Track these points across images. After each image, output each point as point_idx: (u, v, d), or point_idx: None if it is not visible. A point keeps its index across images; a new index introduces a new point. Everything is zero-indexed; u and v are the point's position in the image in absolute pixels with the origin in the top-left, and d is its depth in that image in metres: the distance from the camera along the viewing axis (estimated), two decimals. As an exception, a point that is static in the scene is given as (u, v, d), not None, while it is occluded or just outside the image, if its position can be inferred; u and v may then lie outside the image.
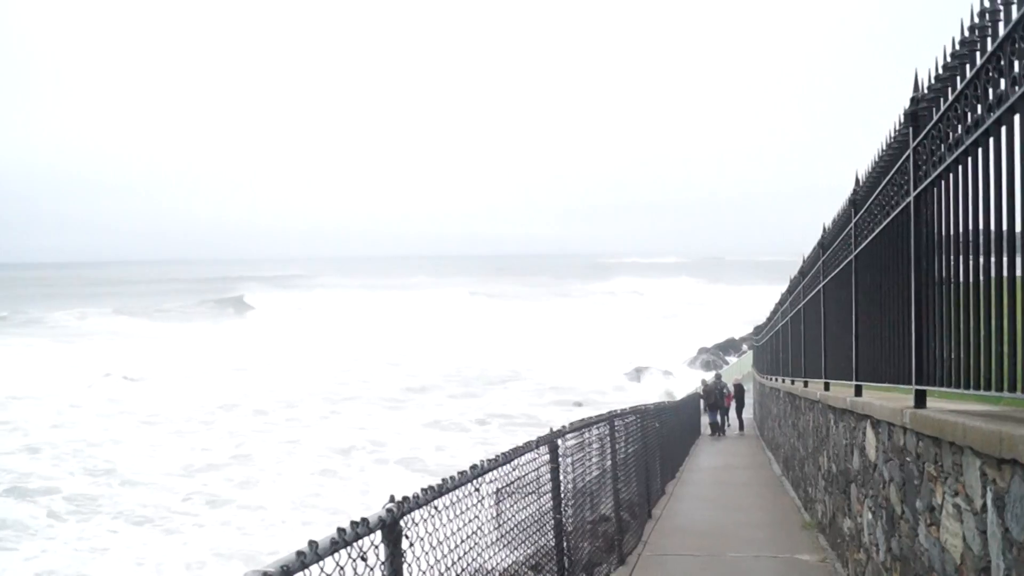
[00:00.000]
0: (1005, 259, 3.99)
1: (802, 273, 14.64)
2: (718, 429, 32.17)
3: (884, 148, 6.74)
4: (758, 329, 34.31)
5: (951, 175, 4.83)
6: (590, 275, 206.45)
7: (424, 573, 4.13)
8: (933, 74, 5.11)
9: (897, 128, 6.14)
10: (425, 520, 4.09)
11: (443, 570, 4.43)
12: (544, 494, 7.57)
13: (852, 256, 8.46)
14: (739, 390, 34.41)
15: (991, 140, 4.13)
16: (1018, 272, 3.95)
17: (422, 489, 4.10)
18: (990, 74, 4.11)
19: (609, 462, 11.09)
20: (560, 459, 7.77)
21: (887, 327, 6.67)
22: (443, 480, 4.40)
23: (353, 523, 3.39)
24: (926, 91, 5.32)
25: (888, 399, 7.24)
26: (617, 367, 57.34)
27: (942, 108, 4.95)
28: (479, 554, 5.22)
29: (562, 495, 7.78)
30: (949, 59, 4.76)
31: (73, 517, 23.96)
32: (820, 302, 11.73)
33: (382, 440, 34.33)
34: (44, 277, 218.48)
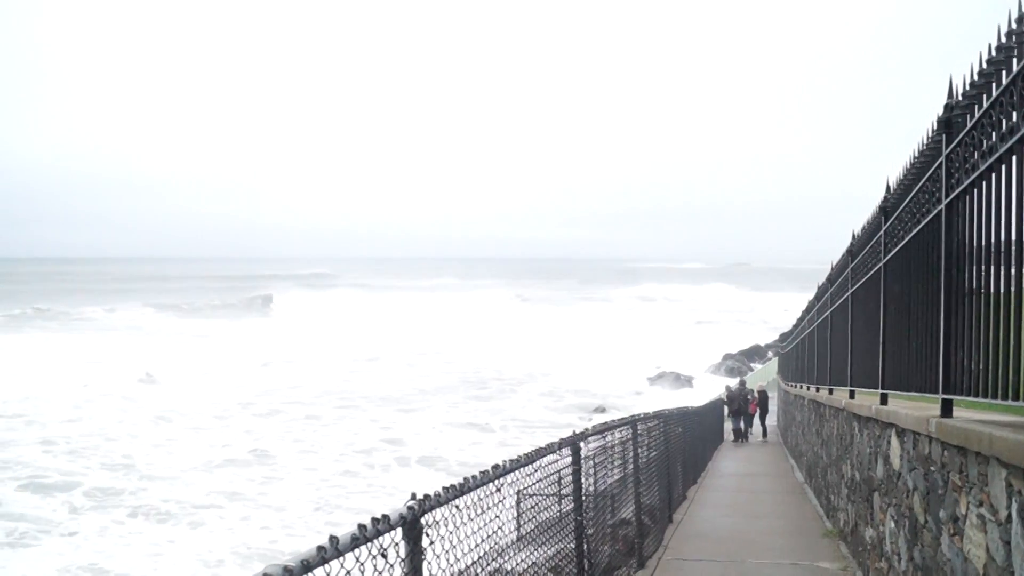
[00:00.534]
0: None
1: (830, 280, 14.55)
2: (741, 435, 32.03)
3: (916, 155, 6.69)
4: (784, 336, 34.18)
5: (984, 183, 4.78)
6: (617, 280, 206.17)
7: (444, 571, 4.12)
8: (968, 80, 5.06)
9: (929, 135, 6.09)
10: (446, 519, 4.09)
11: (463, 568, 4.42)
12: (565, 496, 7.56)
13: (881, 264, 8.39)
14: (763, 397, 34.24)
15: (1026, 148, 4.08)
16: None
17: (443, 488, 4.09)
18: (1027, 81, 4.06)
19: (631, 466, 11.06)
20: (582, 461, 7.75)
21: (915, 335, 6.61)
22: (464, 479, 4.40)
23: (374, 520, 3.38)
24: (960, 98, 5.27)
25: (914, 408, 7.18)
26: (640, 372, 57.20)
27: (976, 115, 4.90)
28: (499, 554, 5.21)
29: (583, 497, 7.75)
30: (984, 65, 4.71)
31: (94, 512, 24.11)
32: (848, 309, 11.64)
33: (401, 440, 34.41)
34: (78, 272, 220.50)
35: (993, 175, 4.60)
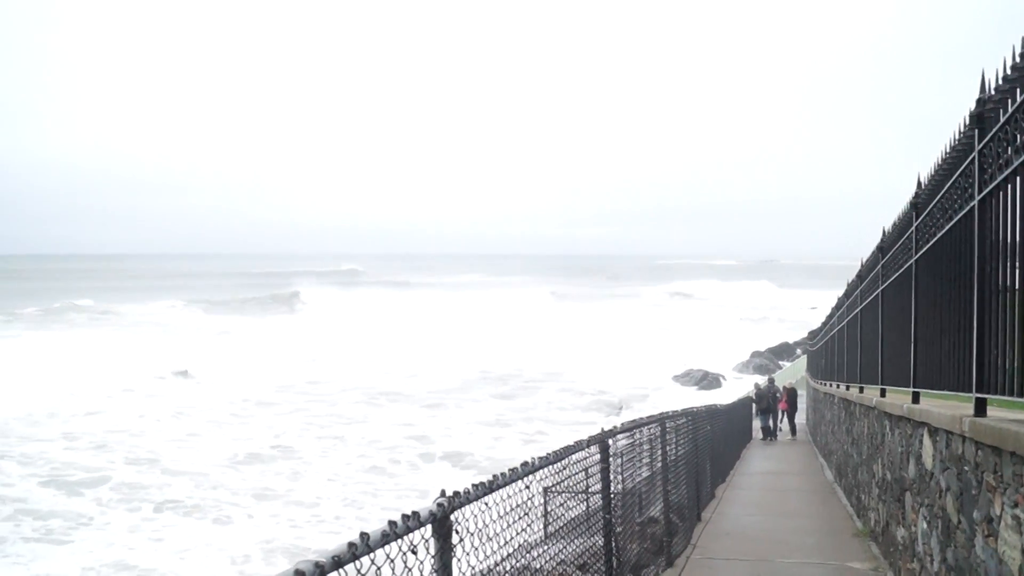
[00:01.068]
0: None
1: (860, 277, 14.43)
2: (770, 434, 31.86)
3: (948, 151, 6.61)
4: (813, 334, 33.92)
5: (1018, 179, 4.71)
6: (646, 276, 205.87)
7: (473, 568, 4.12)
8: (1000, 75, 4.99)
9: (962, 130, 6.01)
10: (476, 516, 4.08)
11: (492, 566, 4.42)
12: (593, 494, 7.54)
13: (912, 260, 8.31)
14: (792, 395, 34.01)
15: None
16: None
17: (473, 485, 4.09)
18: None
19: (659, 463, 11.02)
20: (611, 459, 7.73)
21: (947, 333, 6.54)
22: (494, 476, 4.39)
23: (404, 516, 3.38)
24: (993, 92, 5.20)
25: (947, 407, 7.11)
26: (667, 369, 57.03)
27: (1010, 109, 4.83)
28: (528, 551, 5.20)
29: (612, 495, 7.73)
30: (1018, 59, 4.65)
31: (121, 508, 24.27)
32: (878, 307, 11.54)
33: (426, 437, 34.43)
34: (111, 269, 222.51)
35: (1027, 170, 4.54)
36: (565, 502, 6.61)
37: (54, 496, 25.12)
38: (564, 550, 6.45)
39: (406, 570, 3.40)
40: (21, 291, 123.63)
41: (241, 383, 47.27)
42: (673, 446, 12.11)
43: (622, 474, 8.51)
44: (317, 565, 2.79)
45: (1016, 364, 4.63)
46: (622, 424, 8.81)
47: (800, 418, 34.38)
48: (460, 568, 3.92)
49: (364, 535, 3.09)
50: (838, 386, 19.17)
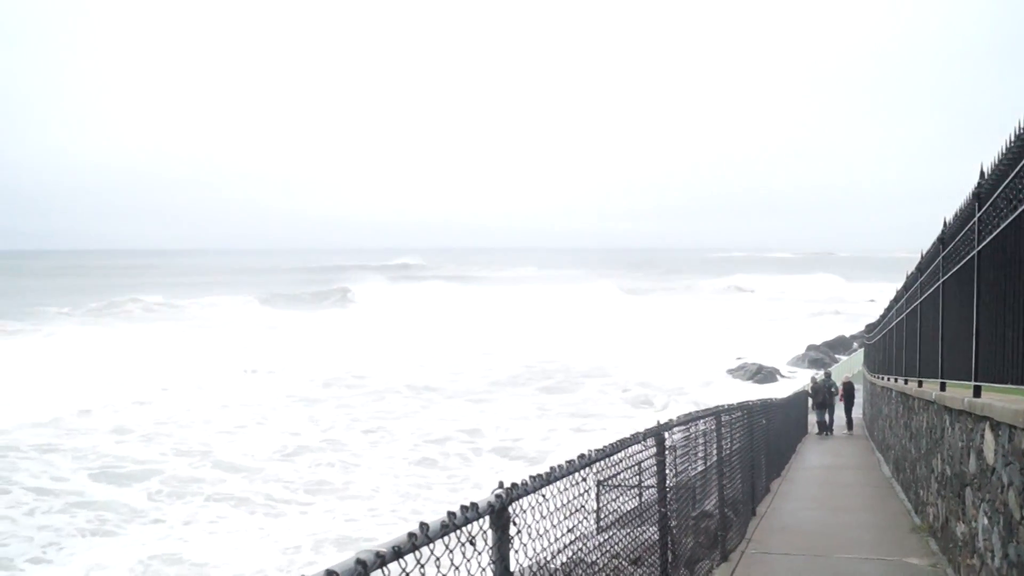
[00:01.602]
0: None
1: (919, 269, 14.21)
2: (826, 428, 31.54)
3: (1012, 139, 6.48)
4: (870, 327, 33.52)
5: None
6: (702, 270, 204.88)
7: (530, 560, 4.12)
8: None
9: (1027, 119, 5.90)
10: (533, 507, 4.08)
11: (549, 558, 4.41)
12: (648, 487, 7.51)
13: (975, 252, 8.16)
14: (849, 389, 33.60)
15: None
16: None
17: (530, 476, 4.09)
18: None
19: (714, 457, 10.95)
20: (667, 452, 7.69)
21: (1011, 326, 6.42)
22: (551, 468, 4.39)
23: (463, 507, 3.40)
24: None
25: (1009, 401, 6.99)
26: (721, 363, 56.67)
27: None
28: (584, 544, 5.19)
29: (667, 488, 7.70)
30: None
31: (173, 500, 24.55)
32: (938, 299, 11.36)
33: (476, 430, 34.40)
34: (171, 265, 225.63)
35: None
36: (618, 496, 6.58)
37: (107, 489, 25.47)
38: (618, 544, 6.43)
39: (464, 561, 3.41)
40: (77, 287, 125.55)
41: (289, 377, 47.57)
42: (728, 440, 12.03)
43: (677, 467, 8.46)
44: (378, 555, 2.81)
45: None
46: (678, 417, 8.77)
47: (856, 412, 33.98)
48: (517, 560, 3.93)
49: (424, 525, 3.11)
50: (896, 380, 18.92)
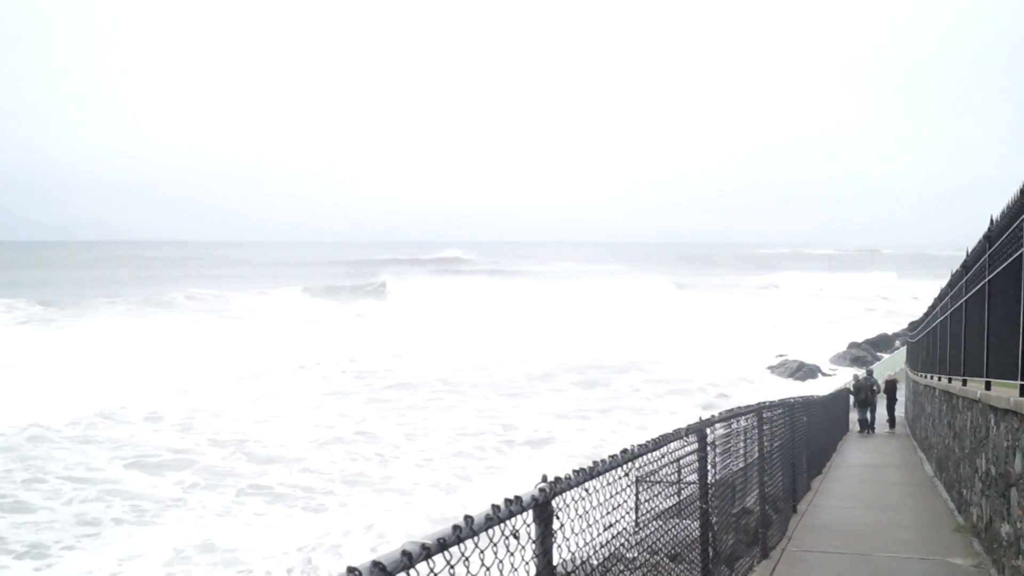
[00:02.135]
0: None
1: (965, 267, 14.06)
2: (867, 426, 31.30)
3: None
4: (913, 325, 33.20)
5: None
6: (743, 266, 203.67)
7: (572, 554, 4.13)
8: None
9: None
10: (576, 502, 4.09)
11: (592, 552, 4.43)
12: (689, 483, 7.50)
13: (1023, 250, 8.08)
14: (891, 387, 33.32)
15: None
16: None
17: (573, 471, 4.11)
18: None
19: (755, 454, 10.92)
20: (708, 448, 7.68)
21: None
22: (594, 463, 4.40)
23: (507, 500, 3.42)
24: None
25: (1057, 401, 6.91)
26: (761, 360, 56.33)
27: None
28: (626, 539, 5.20)
29: (709, 484, 7.69)
30: None
31: (208, 491, 24.74)
32: (984, 297, 11.24)
33: (511, 425, 34.26)
34: (222, 256, 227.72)
35: None
36: (659, 492, 6.58)
37: (142, 477, 25.70)
38: (659, 540, 6.44)
39: (508, 555, 3.43)
40: (124, 278, 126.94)
41: (325, 370, 47.70)
42: (769, 437, 11.98)
43: (718, 464, 8.45)
44: (424, 547, 2.84)
45: None
46: (719, 413, 8.76)
47: (899, 411, 33.69)
48: (560, 554, 3.95)
49: (468, 518, 3.14)
50: (940, 378, 18.74)
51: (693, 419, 7.93)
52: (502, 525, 3.37)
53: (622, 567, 5.24)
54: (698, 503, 7.49)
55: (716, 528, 8.06)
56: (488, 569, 3.31)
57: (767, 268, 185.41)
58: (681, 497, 7.50)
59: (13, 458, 27.05)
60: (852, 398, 32.63)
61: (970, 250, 13.26)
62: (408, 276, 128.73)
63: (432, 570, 2.98)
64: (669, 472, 6.78)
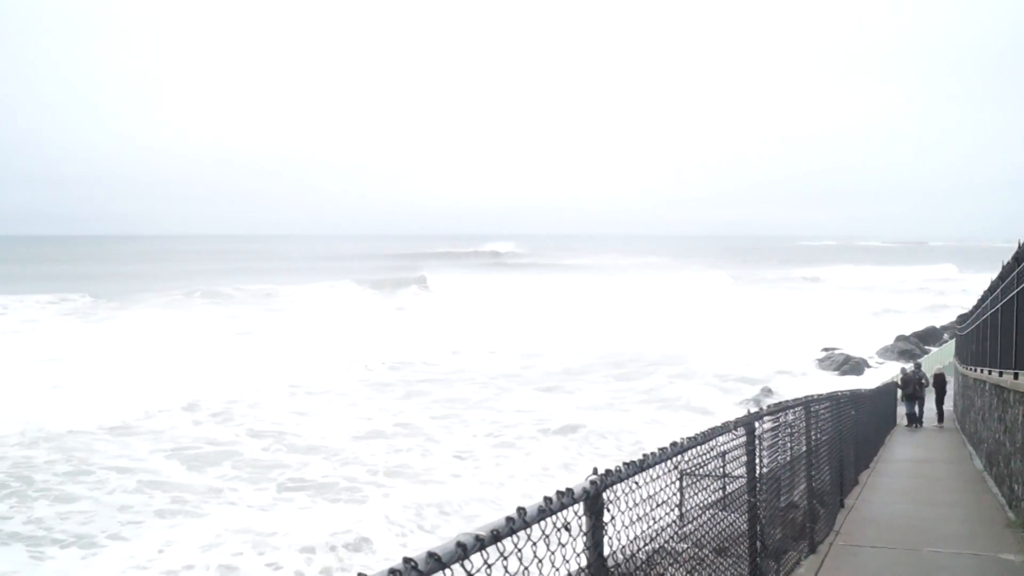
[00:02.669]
0: None
1: (1016, 259, 13.86)
2: (915, 420, 30.94)
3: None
4: (963, 318, 32.76)
5: None
6: (789, 258, 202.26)
7: (622, 545, 4.14)
8: None
9: None
10: (626, 494, 4.10)
11: (642, 545, 4.43)
12: (736, 477, 7.48)
13: (1076, 242, 7.96)
14: (940, 380, 32.86)
15: None
16: None
17: (624, 463, 4.11)
18: None
19: (802, 448, 10.85)
20: (756, 441, 7.64)
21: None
22: (644, 455, 4.40)
23: (559, 493, 3.43)
24: None
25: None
26: (808, 353, 55.84)
27: None
28: (674, 532, 5.20)
29: (756, 478, 7.65)
30: None
31: (249, 481, 24.94)
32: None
33: (548, 418, 33.97)
34: (265, 250, 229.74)
35: None
36: (707, 487, 6.56)
37: (183, 470, 25.92)
38: (706, 534, 6.43)
39: (560, 547, 3.44)
40: (179, 272, 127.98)
41: (362, 362, 47.69)
42: (816, 431, 11.90)
43: (765, 457, 8.41)
44: (477, 538, 2.86)
45: None
46: (768, 407, 8.71)
47: (947, 404, 33.26)
48: (611, 546, 3.95)
49: (521, 510, 3.15)
50: (990, 372, 18.50)
51: (737, 413, 7.91)
52: (554, 517, 3.38)
53: (670, 560, 5.24)
54: (745, 497, 7.46)
55: (764, 522, 8.03)
56: (540, 561, 3.32)
57: (814, 261, 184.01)
58: (727, 491, 7.48)
59: (52, 448, 27.48)
60: (900, 392, 32.29)
61: (1022, 242, 13.09)
62: (449, 270, 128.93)
63: (486, 561, 3.01)
64: (715, 466, 6.76)
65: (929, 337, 62.32)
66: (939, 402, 32.39)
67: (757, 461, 7.68)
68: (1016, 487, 13.10)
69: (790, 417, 9.95)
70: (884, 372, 47.67)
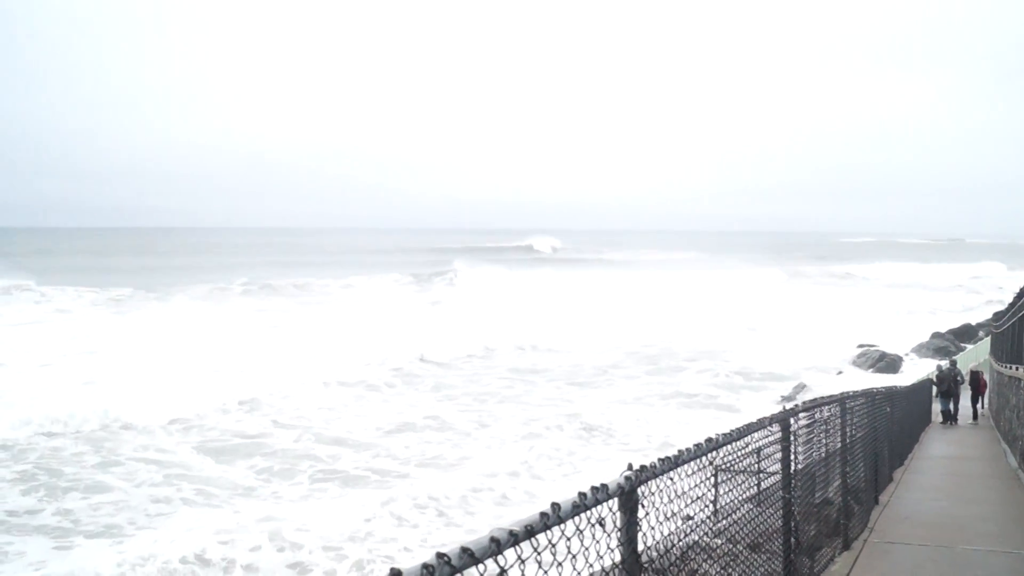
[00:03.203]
0: None
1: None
2: (950, 417, 30.67)
3: None
4: (998, 315, 32.42)
5: None
6: (826, 255, 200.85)
7: (657, 542, 4.13)
8: None
9: None
10: (661, 491, 4.08)
11: (676, 541, 4.42)
12: (771, 473, 7.44)
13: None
14: (976, 377, 32.58)
15: None
16: None
17: (659, 459, 4.10)
18: None
19: (837, 444, 10.79)
20: (791, 438, 7.60)
21: None
22: (679, 451, 4.39)
23: (593, 488, 3.43)
24: None
25: None
26: (842, 350, 55.41)
27: None
28: (708, 528, 5.19)
29: (791, 474, 7.62)
30: None
31: (280, 474, 25.05)
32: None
33: (578, 414, 33.73)
34: (307, 243, 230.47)
35: None
36: (741, 482, 6.54)
37: (211, 462, 26.03)
38: (740, 530, 6.40)
39: (594, 543, 3.43)
40: (224, 264, 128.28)
41: (394, 356, 47.57)
42: (851, 427, 11.82)
43: (800, 453, 8.37)
44: (511, 533, 2.86)
45: None
46: (803, 403, 8.67)
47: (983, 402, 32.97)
48: (645, 542, 3.94)
49: (555, 505, 3.15)
50: (1027, 369, 18.32)
51: (772, 409, 7.87)
52: (589, 513, 3.38)
53: (704, 556, 5.23)
54: (780, 493, 7.43)
55: (798, 518, 7.99)
56: (574, 556, 3.32)
57: (856, 257, 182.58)
58: (761, 487, 7.45)
59: (81, 439, 27.78)
60: (935, 389, 32.04)
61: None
62: (485, 264, 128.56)
63: (519, 556, 3.00)
64: (750, 462, 6.73)
65: (965, 334, 61.72)
66: (974, 399, 32.13)
67: (792, 457, 7.64)
68: (1054, 486, 12.97)
69: (825, 414, 9.89)
70: (920, 369, 47.24)
